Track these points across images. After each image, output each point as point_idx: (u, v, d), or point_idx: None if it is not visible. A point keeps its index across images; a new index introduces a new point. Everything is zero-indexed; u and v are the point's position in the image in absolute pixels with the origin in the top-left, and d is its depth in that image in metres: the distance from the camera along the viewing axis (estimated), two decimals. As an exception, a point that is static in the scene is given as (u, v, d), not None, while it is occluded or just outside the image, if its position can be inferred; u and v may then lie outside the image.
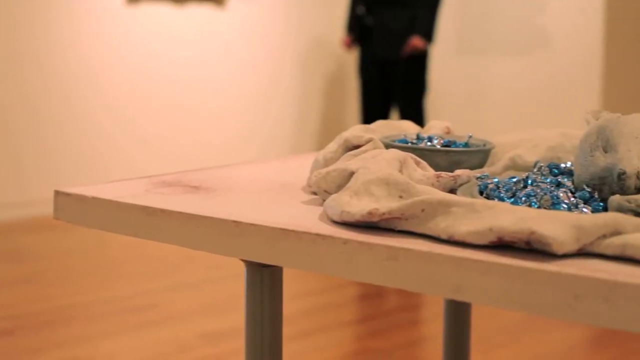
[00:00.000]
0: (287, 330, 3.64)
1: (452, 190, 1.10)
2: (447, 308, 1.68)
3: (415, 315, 4.14)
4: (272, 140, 7.29)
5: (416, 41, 6.44)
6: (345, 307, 4.21)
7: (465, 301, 1.02)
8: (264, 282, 1.17)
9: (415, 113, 6.55)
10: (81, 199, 1.19)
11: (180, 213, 1.09)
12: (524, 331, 3.81)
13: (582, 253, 0.89)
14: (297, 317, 3.92)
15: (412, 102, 6.62)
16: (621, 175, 1.01)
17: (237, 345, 3.50)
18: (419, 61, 6.59)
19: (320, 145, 7.48)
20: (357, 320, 4.06)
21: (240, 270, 1.19)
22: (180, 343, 3.58)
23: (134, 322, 3.82)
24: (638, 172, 1.01)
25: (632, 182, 1.01)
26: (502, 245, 0.90)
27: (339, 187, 1.09)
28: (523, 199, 1.04)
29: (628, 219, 0.90)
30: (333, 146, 1.23)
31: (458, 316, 1.68)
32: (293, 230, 0.99)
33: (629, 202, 0.95)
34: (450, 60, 7.53)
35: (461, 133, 1.40)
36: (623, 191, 1.02)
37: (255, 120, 7.14)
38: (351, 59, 7.45)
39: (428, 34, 6.50)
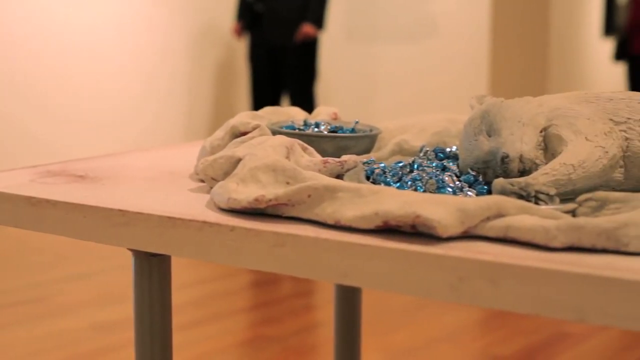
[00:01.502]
0: (178, 320, 3.62)
1: (339, 176, 1.11)
2: (338, 293, 1.69)
3: (308, 301, 4.16)
4: (161, 127, 7.21)
5: (307, 28, 6.46)
6: (237, 295, 4.21)
7: (353, 286, 1.03)
8: (153, 271, 1.16)
9: (305, 99, 6.57)
10: (-38, 190, 1.16)
11: (65, 203, 1.08)
12: (416, 314, 3.86)
13: (467, 236, 0.90)
14: (188, 306, 3.90)
15: (303, 89, 6.65)
16: (504, 158, 1.03)
17: (129, 336, 3.47)
18: (310, 48, 6.61)
19: (212, 132, 7.43)
20: (249, 308, 4.06)
21: (131, 260, 1.17)
22: (71, 335, 3.53)
23: (23, 315, 3.75)
24: (521, 155, 1.03)
25: (514, 166, 1.03)
26: (388, 230, 0.91)
27: (226, 174, 1.08)
28: (409, 183, 1.05)
29: (511, 202, 0.91)
30: (220, 133, 1.22)
31: (348, 301, 1.69)
32: (180, 218, 0.99)
33: (512, 184, 0.97)
34: (340, 47, 7.57)
35: (351, 119, 1.41)
36: (506, 174, 1.03)
37: (141, 106, 7.04)
38: (241, 45, 7.42)
39: (319, 21, 6.53)
